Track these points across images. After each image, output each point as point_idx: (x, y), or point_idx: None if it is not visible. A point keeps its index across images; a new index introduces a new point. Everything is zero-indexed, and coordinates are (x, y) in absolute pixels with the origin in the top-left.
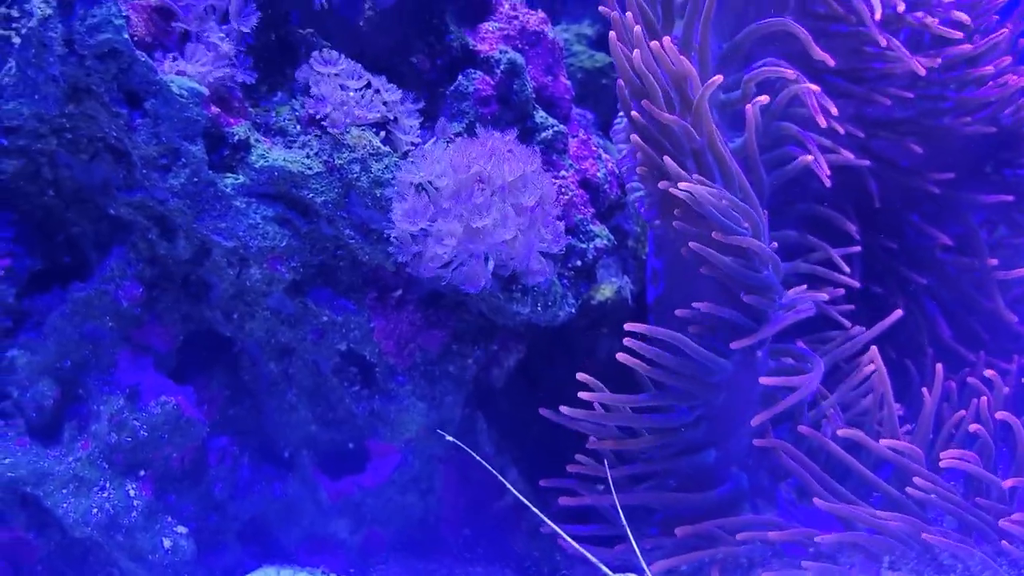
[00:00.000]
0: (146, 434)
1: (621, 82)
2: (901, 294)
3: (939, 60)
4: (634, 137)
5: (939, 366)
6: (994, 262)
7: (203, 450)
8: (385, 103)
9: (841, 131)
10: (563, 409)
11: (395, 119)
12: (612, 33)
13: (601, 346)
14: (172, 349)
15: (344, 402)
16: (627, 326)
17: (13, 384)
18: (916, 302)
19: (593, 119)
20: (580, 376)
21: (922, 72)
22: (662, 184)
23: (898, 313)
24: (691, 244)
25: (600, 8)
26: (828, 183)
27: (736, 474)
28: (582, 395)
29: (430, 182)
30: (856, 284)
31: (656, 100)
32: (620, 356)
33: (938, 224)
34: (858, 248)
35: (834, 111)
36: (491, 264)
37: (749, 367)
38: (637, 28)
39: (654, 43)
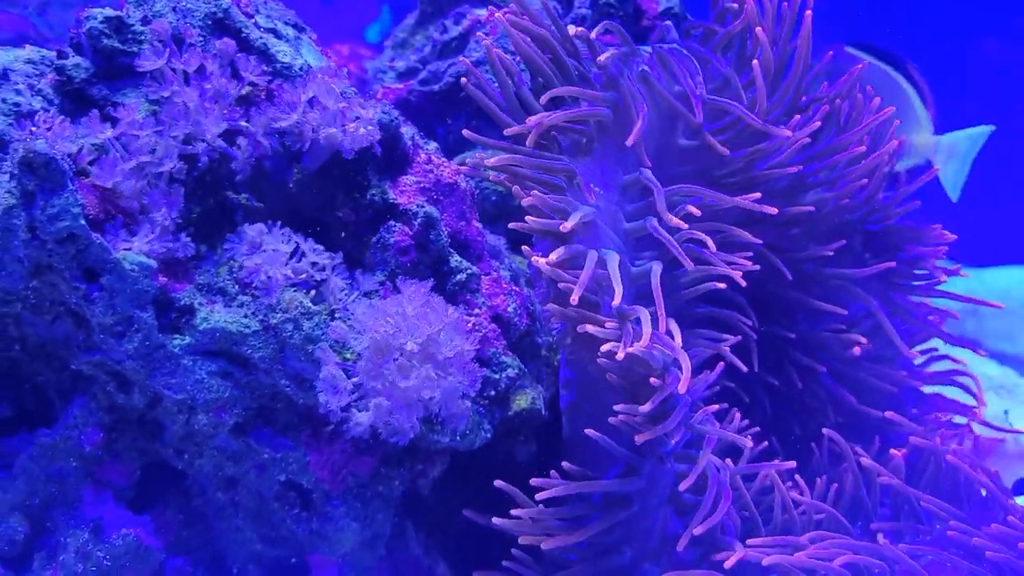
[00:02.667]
0: (109, 563)
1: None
2: (800, 379)
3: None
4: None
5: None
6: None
7: (161, 571)
8: (313, 263)
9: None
10: (495, 520)
11: (324, 279)
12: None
13: (519, 450)
14: (130, 483)
15: (286, 523)
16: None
17: None
18: (817, 383)
19: (505, 243)
20: (498, 483)
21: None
22: (580, 328)
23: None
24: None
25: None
26: (743, 283)
27: (649, 569)
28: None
29: (353, 345)
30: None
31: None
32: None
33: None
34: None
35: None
36: (416, 418)
37: (658, 475)
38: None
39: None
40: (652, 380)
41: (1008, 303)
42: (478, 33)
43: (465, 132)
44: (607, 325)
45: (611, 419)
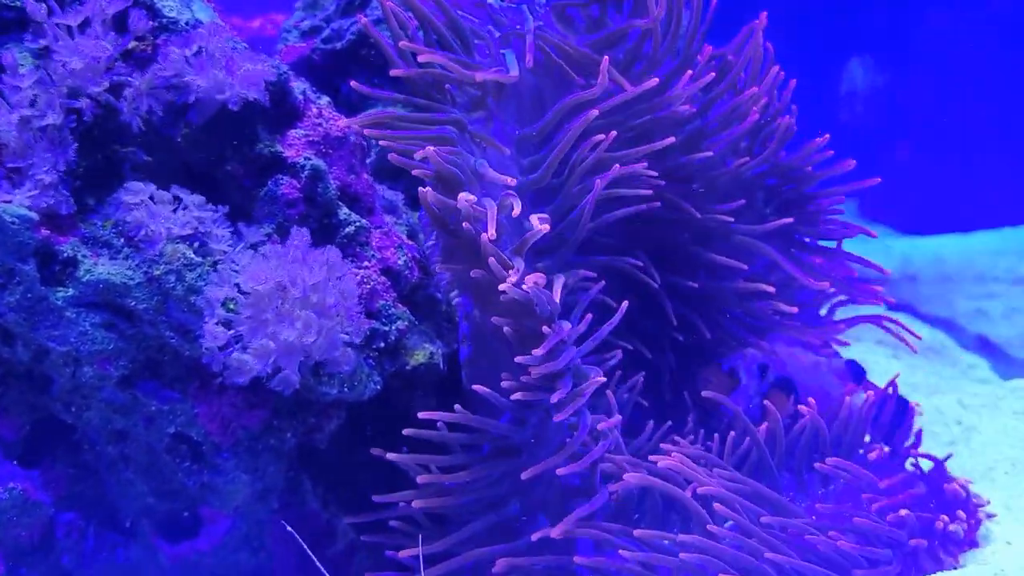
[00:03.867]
0: None
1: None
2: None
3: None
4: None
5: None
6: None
7: (51, 525)
8: (197, 217)
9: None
10: (390, 455)
11: (207, 231)
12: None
13: (415, 405)
14: (19, 438)
15: (177, 476)
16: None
17: None
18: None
19: (403, 199)
20: (406, 431)
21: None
22: (474, 273)
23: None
24: (494, 320)
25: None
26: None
27: (543, 521)
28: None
29: (235, 295)
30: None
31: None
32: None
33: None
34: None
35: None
36: (298, 365)
37: (546, 428)
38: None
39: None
40: (544, 328)
41: (942, 269)
42: None
43: (353, 84)
44: (491, 264)
45: (502, 374)
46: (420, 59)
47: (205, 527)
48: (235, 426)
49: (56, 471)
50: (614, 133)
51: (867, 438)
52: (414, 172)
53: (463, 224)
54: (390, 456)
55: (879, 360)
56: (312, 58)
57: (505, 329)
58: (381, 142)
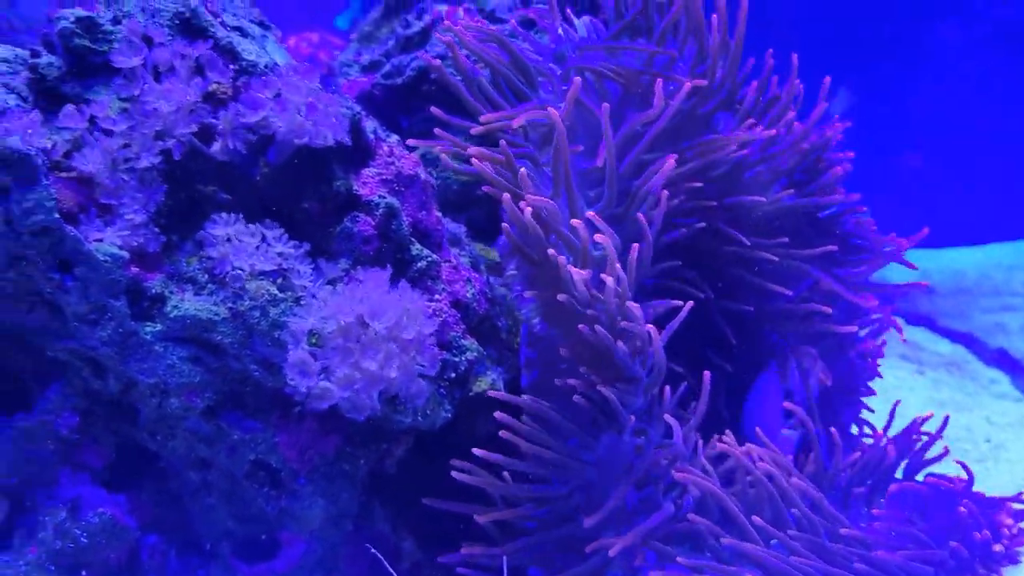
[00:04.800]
0: (86, 540)
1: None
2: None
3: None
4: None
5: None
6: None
7: (136, 548)
8: (280, 253)
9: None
10: (455, 474)
11: (289, 267)
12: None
13: (477, 430)
14: (106, 464)
15: (256, 501)
16: (497, 399)
17: None
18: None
19: (466, 231)
20: (476, 451)
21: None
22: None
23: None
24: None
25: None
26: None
27: (608, 537)
28: (459, 476)
29: (319, 329)
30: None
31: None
32: (503, 433)
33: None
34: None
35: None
36: (376, 395)
37: (616, 448)
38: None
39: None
40: (619, 344)
41: (959, 282)
42: (436, 33)
43: (433, 110)
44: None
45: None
46: (482, 119)
47: (282, 550)
48: (312, 453)
49: (141, 496)
50: (672, 161)
51: None
52: (524, 215)
53: (561, 274)
54: (462, 478)
55: (904, 376)
56: (373, 93)
57: (578, 347)
58: (486, 178)
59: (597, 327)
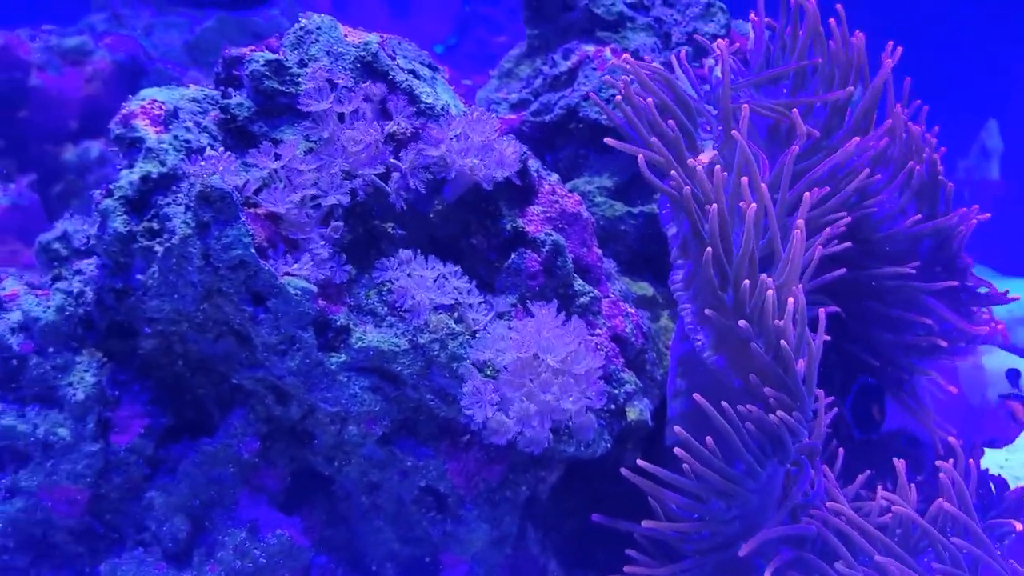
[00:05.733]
0: (265, 560)
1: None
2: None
3: None
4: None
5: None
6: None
7: (308, 567)
8: (456, 288)
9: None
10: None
11: (463, 302)
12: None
13: (626, 457)
14: (282, 488)
15: (422, 525)
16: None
17: (152, 519)
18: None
19: (615, 266)
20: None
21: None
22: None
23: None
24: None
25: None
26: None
27: (761, 565)
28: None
29: (494, 361)
30: None
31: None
32: (678, 451)
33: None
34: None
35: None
36: (549, 427)
37: (775, 475)
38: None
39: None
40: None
41: None
42: (605, 77)
43: (608, 140)
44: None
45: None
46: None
47: (445, 571)
48: (477, 480)
49: (313, 518)
50: (808, 195)
51: None
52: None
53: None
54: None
55: None
56: (522, 129)
57: (751, 377)
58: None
59: (782, 342)
